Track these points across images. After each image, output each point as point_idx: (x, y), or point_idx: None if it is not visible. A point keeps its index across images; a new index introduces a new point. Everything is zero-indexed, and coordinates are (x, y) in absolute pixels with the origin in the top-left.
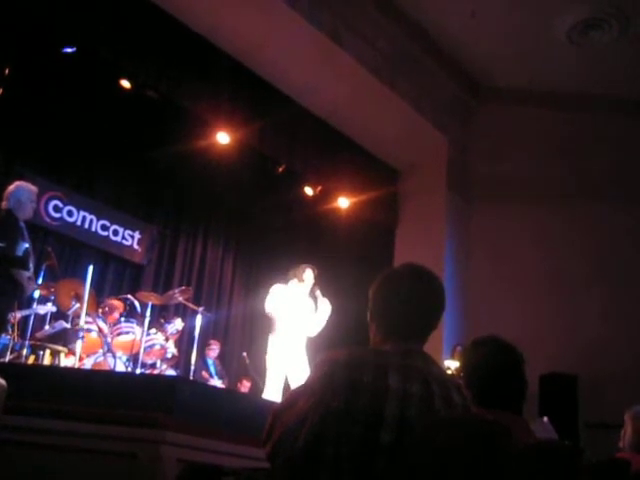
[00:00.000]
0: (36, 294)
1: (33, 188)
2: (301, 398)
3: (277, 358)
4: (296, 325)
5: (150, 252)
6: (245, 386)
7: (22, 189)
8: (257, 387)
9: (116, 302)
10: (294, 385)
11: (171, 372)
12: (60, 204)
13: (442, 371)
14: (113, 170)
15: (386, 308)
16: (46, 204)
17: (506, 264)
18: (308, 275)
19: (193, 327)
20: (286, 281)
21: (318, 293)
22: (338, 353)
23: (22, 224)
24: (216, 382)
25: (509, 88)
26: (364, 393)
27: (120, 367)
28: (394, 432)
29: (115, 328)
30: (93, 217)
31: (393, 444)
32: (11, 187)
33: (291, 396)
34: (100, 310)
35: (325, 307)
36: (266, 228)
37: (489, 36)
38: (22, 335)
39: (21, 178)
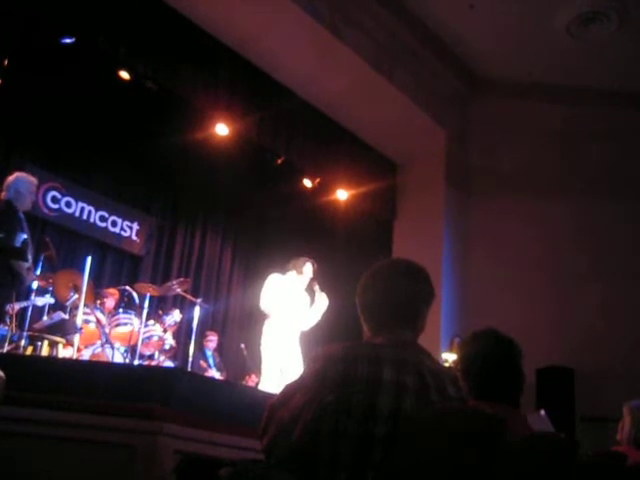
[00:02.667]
0: (34, 285)
1: (33, 179)
2: (296, 393)
3: (271, 349)
4: (290, 317)
5: (148, 243)
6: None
7: (22, 180)
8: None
9: (111, 290)
10: (288, 377)
11: (169, 363)
12: (58, 195)
13: (436, 363)
14: (112, 161)
15: (375, 303)
16: (44, 195)
17: (504, 257)
18: (307, 269)
19: (191, 318)
20: (284, 272)
21: (316, 287)
22: (332, 348)
23: (21, 215)
24: (214, 374)
25: (508, 81)
26: (358, 387)
27: (118, 358)
28: (389, 425)
29: (113, 319)
30: (91, 208)
31: (388, 437)
32: (11, 178)
33: (286, 391)
34: (98, 301)
35: (322, 302)
36: (264, 220)
37: (488, 28)
38: (20, 326)
39: (20, 169)
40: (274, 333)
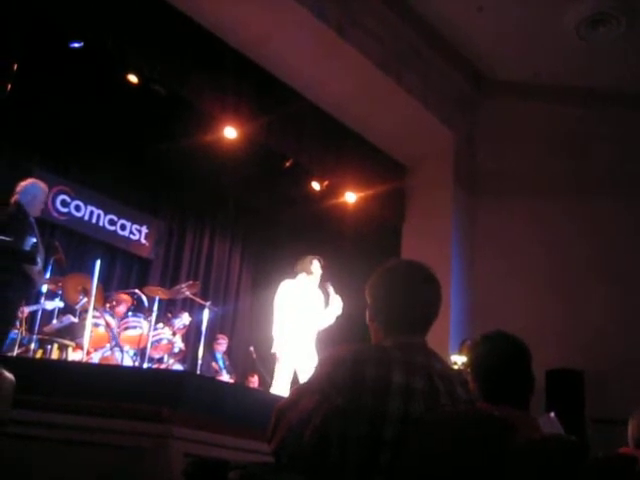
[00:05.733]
0: (44, 289)
1: (46, 188)
2: (305, 396)
3: (287, 352)
4: (306, 319)
5: (157, 246)
6: (252, 382)
7: (38, 186)
8: (265, 382)
9: (124, 296)
10: (303, 380)
11: (178, 367)
12: (67, 199)
13: (446, 366)
14: (121, 165)
15: (385, 305)
16: (54, 199)
17: (512, 259)
18: (316, 266)
19: (200, 321)
20: (294, 275)
21: (330, 289)
22: (340, 350)
23: (32, 219)
24: (224, 377)
25: (516, 82)
26: (367, 390)
27: (127, 361)
28: (398, 428)
29: (122, 322)
30: (100, 212)
31: (397, 440)
32: (26, 182)
33: (295, 394)
34: (108, 305)
35: (337, 303)
36: (273, 222)
37: (496, 30)
38: (30, 329)
39: (29, 173)
40: (290, 337)
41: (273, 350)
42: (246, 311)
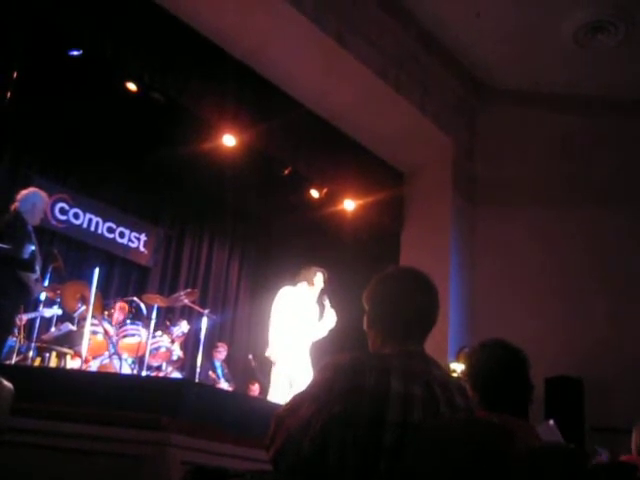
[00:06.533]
0: (42, 296)
1: (47, 198)
2: (304, 403)
3: (282, 361)
4: (301, 329)
5: (156, 254)
6: (253, 390)
7: (38, 195)
8: (265, 390)
9: (122, 304)
10: (297, 388)
11: (176, 374)
12: (66, 206)
13: (444, 373)
14: (119, 172)
15: (382, 312)
16: (52, 206)
17: (512, 267)
18: (318, 279)
19: (199, 329)
20: (295, 283)
21: (327, 302)
22: (340, 358)
23: (30, 227)
24: (223, 385)
25: (514, 90)
26: (366, 397)
27: (126, 369)
28: (397, 435)
29: (121, 330)
30: (99, 219)
31: (396, 447)
32: (27, 191)
33: (293, 401)
34: (106, 312)
35: (330, 318)
36: (272, 230)
37: (494, 37)
38: (28, 337)
39: (28, 180)
40: (285, 346)
41: (267, 354)
42: (245, 319)
